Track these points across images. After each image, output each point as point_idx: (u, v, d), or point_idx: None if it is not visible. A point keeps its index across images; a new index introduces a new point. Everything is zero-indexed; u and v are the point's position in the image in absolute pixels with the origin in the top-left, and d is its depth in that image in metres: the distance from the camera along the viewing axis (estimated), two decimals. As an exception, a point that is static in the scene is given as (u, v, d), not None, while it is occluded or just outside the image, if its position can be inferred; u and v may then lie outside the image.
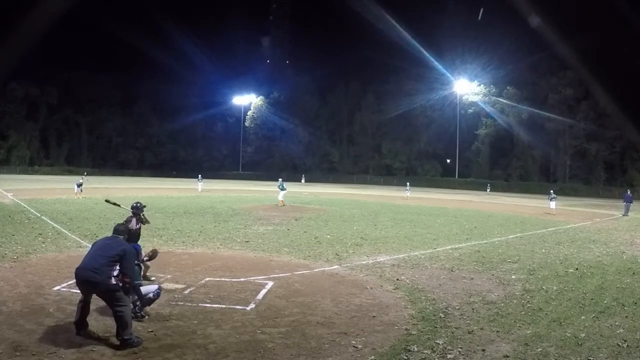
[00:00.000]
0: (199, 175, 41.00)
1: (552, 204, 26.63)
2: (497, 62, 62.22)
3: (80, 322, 5.50)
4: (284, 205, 25.25)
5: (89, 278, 5.33)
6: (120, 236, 5.85)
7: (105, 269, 5.31)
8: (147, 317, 6.20)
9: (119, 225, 6.22)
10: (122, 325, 5.25)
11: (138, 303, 6.19)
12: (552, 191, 28.21)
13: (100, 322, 5.82)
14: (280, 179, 28.38)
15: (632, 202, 28.15)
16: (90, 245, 6.44)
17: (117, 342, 5.22)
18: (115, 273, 5.37)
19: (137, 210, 8.46)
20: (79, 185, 28.44)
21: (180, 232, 14.24)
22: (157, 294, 6.33)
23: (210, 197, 31.84)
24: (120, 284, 5.38)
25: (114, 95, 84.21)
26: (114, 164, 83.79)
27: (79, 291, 5.69)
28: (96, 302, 5.79)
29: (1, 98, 70.20)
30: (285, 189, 26.96)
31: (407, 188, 41.44)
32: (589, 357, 5.29)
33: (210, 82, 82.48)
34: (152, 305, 6.65)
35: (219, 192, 37.42)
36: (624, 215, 26.90)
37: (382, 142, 77.29)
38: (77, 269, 5.48)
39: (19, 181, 45.04)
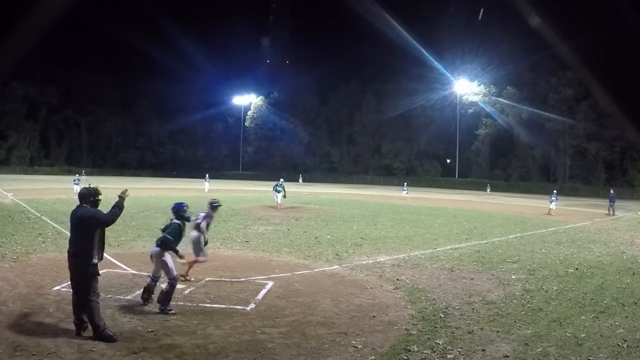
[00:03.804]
0: (207, 175, 40.90)
1: (553, 205, 26.66)
2: (497, 62, 62.26)
3: (78, 324, 5.52)
4: (280, 207, 23.76)
5: (72, 253, 5.52)
6: (85, 205, 5.62)
7: (83, 242, 5.47)
8: (172, 311, 6.37)
9: (82, 189, 5.86)
10: (94, 314, 5.35)
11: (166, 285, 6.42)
12: (555, 191, 28.23)
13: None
14: (281, 180, 26.34)
15: (614, 202, 28.32)
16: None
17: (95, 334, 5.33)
18: (95, 253, 5.46)
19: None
20: (77, 182, 28.56)
21: (180, 232, 14.22)
22: (172, 285, 6.55)
23: (210, 197, 31.77)
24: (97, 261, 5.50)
25: (114, 95, 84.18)
26: (114, 164, 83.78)
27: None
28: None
29: (1, 98, 70.27)
30: (280, 192, 24.20)
31: (404, 188, 41.82)
32: (589, 357, 5.28)
33: (210, 82, 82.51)
34: (152, 306, 6.66)
35: (219, 192, 37.41)
36: (608, 215, 27.15)
37: (382, 142, 77.32)
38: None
39: (19, 181, 45.03)
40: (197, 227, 8.53)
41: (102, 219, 5.52)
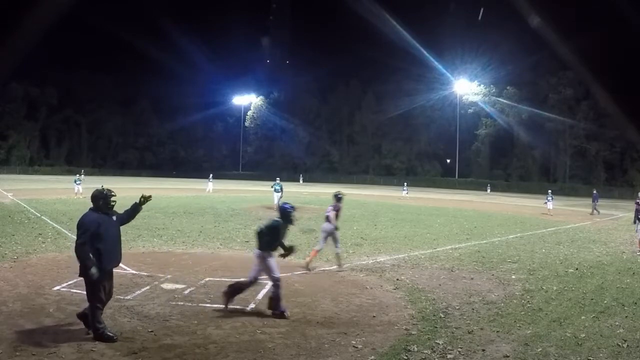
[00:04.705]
0: (210, 175, 40.92)
1: (550, 205, 26.66)
2: (497, 62, 62.34)
3: (82, 315, 5.54)
4: (276, 207, 24.13)
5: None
6: (93, 209, 5.52)
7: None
8: (286, 312, 6.44)
9: (94, 191, 5.68)
10: (93, 319, 5.31)
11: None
12: (550, 191, 28.28)
13: (100, 322, 5.81)
14: (277, 179, 26.84)
15: (597, 201, 28.60)
16: None
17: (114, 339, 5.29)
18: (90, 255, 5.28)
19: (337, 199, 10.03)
20: (78, 182, 28.56)
21: (180, 232, 14.24)
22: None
23: (211, 197, 31.84)
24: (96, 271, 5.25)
25: (114, 95, 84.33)
26: (114, 164, 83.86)
27: (79, 291, 5.69)
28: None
29: (1, 98, 70.35)
30: (279, 192, 24.53)
31: (404, 188, 42.16)
32: (589, 357, 5.28)
33: (210, 82, 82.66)
34: (151, 306, 6.66)
35: (219, 192, 37.43)
36: (592, 215, 27.20)
37: (382, 142, 77.36)
38: None
39: (19, 181, 45.06)
40: (328, 219, 9.80)
41: (77, 240, 5.37)
